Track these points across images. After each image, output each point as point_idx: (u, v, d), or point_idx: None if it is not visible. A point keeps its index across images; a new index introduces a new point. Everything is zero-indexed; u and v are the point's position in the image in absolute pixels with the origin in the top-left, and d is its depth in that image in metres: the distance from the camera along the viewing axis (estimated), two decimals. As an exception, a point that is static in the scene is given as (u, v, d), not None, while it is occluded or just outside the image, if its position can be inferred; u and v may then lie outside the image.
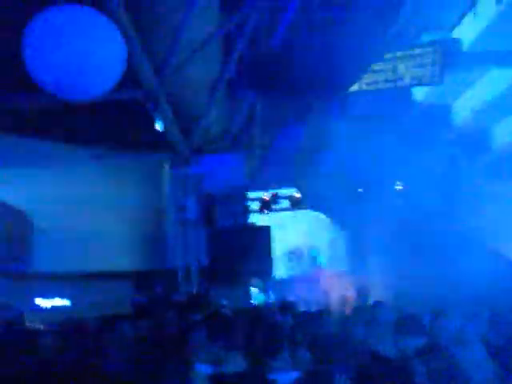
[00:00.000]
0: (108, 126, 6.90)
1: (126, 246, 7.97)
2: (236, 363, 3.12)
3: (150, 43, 6.40)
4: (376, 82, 11.09)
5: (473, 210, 13.91)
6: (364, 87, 10.97)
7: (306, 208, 12.44)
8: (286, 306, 7.13)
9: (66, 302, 7.09)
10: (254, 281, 10.37)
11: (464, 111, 13.25)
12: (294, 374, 3.21)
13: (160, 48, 6.66)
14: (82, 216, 7.36)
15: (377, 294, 9.89)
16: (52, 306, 6.96)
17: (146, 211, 8.18)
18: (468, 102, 12.96)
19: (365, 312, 5.99)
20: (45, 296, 6.92)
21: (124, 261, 7.84)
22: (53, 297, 6.96)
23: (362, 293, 8.73)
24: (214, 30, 7.34)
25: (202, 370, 3.07)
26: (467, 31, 10.45)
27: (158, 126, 6.91)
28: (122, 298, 7.18)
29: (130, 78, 6.12)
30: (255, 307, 8.33)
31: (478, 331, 4.19)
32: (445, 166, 13.65)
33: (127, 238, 8.00)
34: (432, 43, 10.83)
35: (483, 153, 14.08)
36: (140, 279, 7.85)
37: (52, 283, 6.92)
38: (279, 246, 12.21)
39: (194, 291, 8.28)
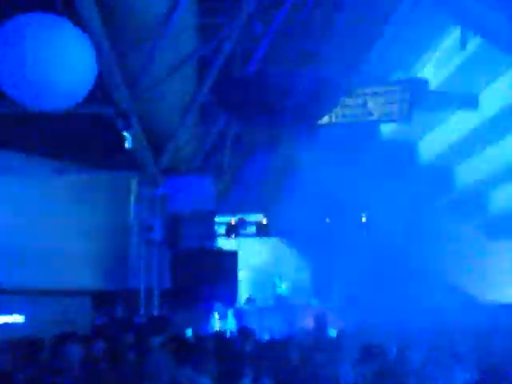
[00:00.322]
0: (75, 140, 6.80)
1: (87, 264, 7.78)
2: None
3: (125, 60, 6.40)
4: (346, 116, 11.33)
5: (434, 247, 14.20)
6: (334, 120, 11.19)
7: (272, 235, 12.46)
8: (246, 333, 7.06)
9: (21, 319, 6.81)
10: (217, 306, 10.23)
11: (428, 150, 13.64)
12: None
13: (135, 66, 6.67)
14: (43, 230, 7.16)
15: (338, 323, 9.92)
16: (7, 323, 6.68)
17: (110, 229, 8.03)
18: (432, 141, 13.37)
19: (327, 341, 6.00)
20: (1, 312, 6.64)
21: (85, 279, 7.64)
22: (10, 313, 6.68)
23: (320, 322, 8.71)
24: (190, 52, 7.41)
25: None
26: (434, 72, 10.85)
27: (127, 144, 6.85)
28: (81, 317, 6.98)
29: (102, 93, 6.10)
30: (217, 333, 8.20)
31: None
32: (408, 202, 13.94)
33: (89, 255, 7.82)
34: (401, 82, 11.19)
35: (445, 192, 14.45)
36: (101, 298, 7.64)
37: (9, 298, 6.66)
38: (243, 271, 12.15)
39: (155, 313, 8.11)
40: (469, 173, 13.56)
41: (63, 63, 4.24)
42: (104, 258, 7.98)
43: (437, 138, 13.12)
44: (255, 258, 13.51)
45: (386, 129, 12.86)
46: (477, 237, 14.70)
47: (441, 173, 14.19)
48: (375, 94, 11.10)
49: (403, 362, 4.69)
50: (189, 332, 6.73)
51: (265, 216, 10.56)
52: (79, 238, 7.69)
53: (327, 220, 12.28)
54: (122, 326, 6.42)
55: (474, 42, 8.85)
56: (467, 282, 13.75)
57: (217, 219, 10.07)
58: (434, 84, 10.80)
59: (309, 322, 9.94)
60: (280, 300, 13.31)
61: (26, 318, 6.83)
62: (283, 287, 13.64)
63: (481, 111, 11.33)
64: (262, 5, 7.39)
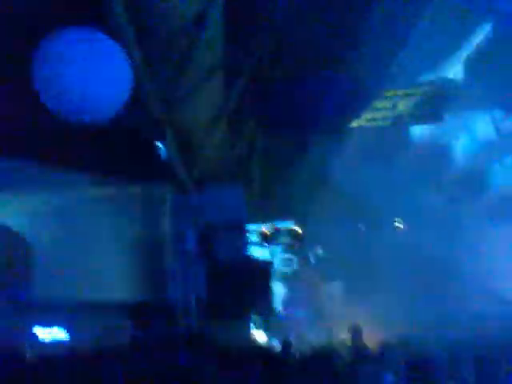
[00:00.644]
0: (109, 153, 6.81)
1: (123, 277, 7.75)
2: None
3: (157, 71, 6.40)
4: (375, 119, 11.19)
5: (472, 251, 13.85)
6: (364, 123, 11.05)
7: (306, 244, 12.31)
8: (288, 345, 6.95)
9: (62, 333, 6.83)
10: (254, 317, 10.11)
11: (462, 152, 13.38)
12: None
13: (167, 76, 6.67)
14: (82, 244, 7.19)
15: (378, 334, 9.68)
16: (50, 337, 6.72)
17: (146, 242, 7.99)
18: (466, 143, 13.12)
19: (368, 353, 5.85)
20: (43, 325, 6.68)
21: (123, 292, 7.60)
22: (50, 326, 6.72)
23: (355, 334, 8.46)
24: (218, 61, 7.39)
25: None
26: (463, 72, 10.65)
27: (162, 156, 6.84)
28: (120, 331, 6.94)
29: (137, 106, 6.09)
30: (259, 346, 8.08)
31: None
32: (445, 206, 13.66)
33: (125, 268, 7.80)
34: (431, 83, 11.00)
35: (483, 194, 14.12)
36: (138, 312, 7.60)
37: (49, 313, 6.69)
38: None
39: (194, 327, 8.02)
40: (505, 174, 13.24)
41: (101, 75, 4.28)
42: (140, 271, 7.95)
43: (471, 139, 12.87)
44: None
45: (418, 131, 12.66)
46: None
47: (477, 175, 13.89)
48: (405, 96, 10.94)
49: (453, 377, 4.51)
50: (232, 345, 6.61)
51: (298, 225, 10.43)
52: (117, 251, 7.68)
53: (360, 226, 12.08)
54: (163, 341, 6.36)
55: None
56: (505, 287, 13.35)
57: (250, 228, 9.98)
58: (464, 85, 10.62)
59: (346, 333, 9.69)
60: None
61: (67, 333, 6.85)
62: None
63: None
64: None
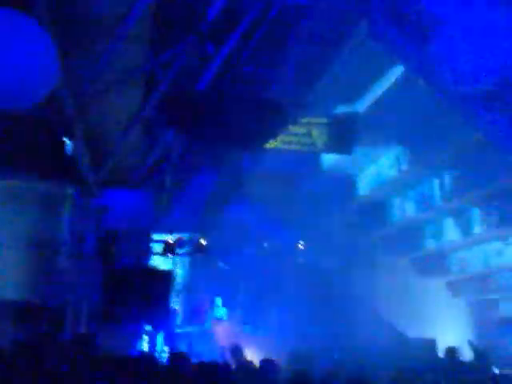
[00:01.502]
0: (10, 143, 6.48)
1: (12, 274, 7.34)
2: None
3: (73, 66, 6.22)
4: (291, 143, 11.50)
5: (368, 278, 14.54)
6: (279, 145, 11.33)
7: (210, 256, 12.30)
8: (177, 357, 6.86)
9: None
10: (148, 327, 9.92)
11: (365, 185, 14.09)
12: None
13: (82, 72, 6.49)
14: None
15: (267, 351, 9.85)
16: None
17: (39, 240, 7.63)
18: (370, 176, 13.83)
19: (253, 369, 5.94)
20: None
21: (8, 290, 7.19)
22: None
23: (235, 352, 8.55)
24: (139, 64, 7.31)
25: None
26: (375, 109, 11.26)
27: (67, 151, 6.60)
28: (2, 331, 6.54)
29: (46, 97, 5.86)
30: (145, 354, 7.92)
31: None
32: (345, 233, 14.27)
33: (14, 265, 7.39)
34: (344, 115, 11.51)
35: (381, 226, 14.91)
36: (24, 313, 7.20)
37: None
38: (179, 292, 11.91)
39: (81, 331, 7.73)
40: (403, 208, 14.08)
41: (27, 60, 4.04)
42: (31, 269, 7.56)
43: (374, 173, 13.59)
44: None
45: (329, 159, 13.17)
46: (409, 272, 15.22)
47: (377, 207, 14.65)
48: (319, 124, 11.36)
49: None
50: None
51: (203, 236, 10.43)
52: (9, 247, 7.27)
53: (265, 245, 12.29)
54: (45, 342, 6.06)
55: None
56: (396, 315, 14.13)
57: (155, 237, 9.84)
58: (376, 120, 11.21)
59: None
60: (215, 324, 13.12)
61: None
62: (221, 310, 13.46)
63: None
64: (216, 26, 7.45)
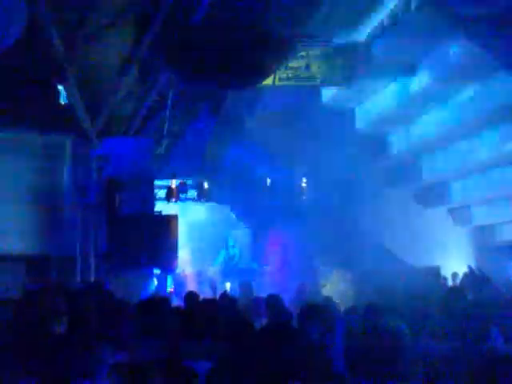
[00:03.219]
0: (4, 94, 6.25)
1: (18, 228, 7.32)
2: (151, 349, 2.88)
3: (61, 10, 5.91)
4: (289, 79, 11.20)
5: (371, 211, 14.62)
6: (277, 82, 11.04)
7: (213, 200, 12.29)
8: (191, 298, 6.97)
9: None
10: (156, 271, 10.05)
11: (365, 117, 13.85)
12: (209, 364, 3.06)
13: (71, 17, 6.19)
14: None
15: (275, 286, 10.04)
16: None
17: (42, 192, 7.55)
18: (369, 108, 13.57)
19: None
20: None
21: (16, 243, 7.19)
22: None
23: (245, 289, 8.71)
24: (128, 4, 6.97)
25: (108, 356, 2.78)
26: (376, 38, 10.85)
27: (62, 100, 6.39)
28: (13, 283, 6.60)
29: (36, 44, 5.61)
30: (157, 297, 8.03)
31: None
32: (347, 166, 14.18)
33: (19, 219, 7.36)
34: (343, 46, 11.14)
35: (381, 158, 14.81)
36: (33, 264, 7.25)
37: None
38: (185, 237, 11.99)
39: (91, 279, 7.81)
40: (403, 141, 13.94)
41: None
42: (36, 222, 7.53)
43: (373, 105, 13.33)
44: (198, 222, 13.36)
45: (328, 92, 12.87)
46: (410, 202, 15.29)
47: (376, 139, 14.50)
48: (318, 56, 11.03)
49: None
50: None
51: (206, 180, 10.35)
52: (9, 200, 7.20)
53: (268, 182, 12.21)
54: (56, 291, 6.10)
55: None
56: (400, 247, 14.31)
57: (157, 182, 9.76)
58: (375, 50, 10.83)
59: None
60: (229, 265, 13.34)
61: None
62: (235, 249, 13.62)
63: (417, 81, 11.55)
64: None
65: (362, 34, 10.72)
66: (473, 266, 12.08)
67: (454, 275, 11.74)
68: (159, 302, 4.03)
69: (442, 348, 3.48)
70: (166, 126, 10.26)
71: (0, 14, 4.05)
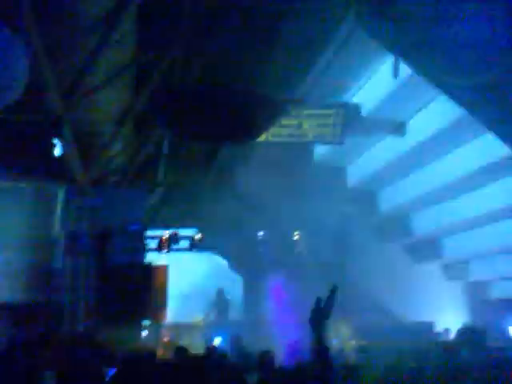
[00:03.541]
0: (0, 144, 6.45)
1: (7, 276, 7.34)
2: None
3: (60, 65, 6.18)
4: (281, 136, 11.50)
5: (361, 267, 14.64)
6: (270, 138, 11.33)
7: (205, 250, 12.33)
8: (182, 351, 6.96)
9: None
10: (146, 323, 9.96)
11: (356, 174, 14.12)
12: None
13: (70, 71, 6.45)
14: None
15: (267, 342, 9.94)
16: None
17: (33, 239, 7.63)
18: (360, 166, 13.85)
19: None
20: None
21: (3, 292, 7.20)
22: None
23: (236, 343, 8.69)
24: (128, 61, 7.27)
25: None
26: (367, 98, 11.23)
27: (56, 152, 6.57)
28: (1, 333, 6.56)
29: (33, 98, 5.84)
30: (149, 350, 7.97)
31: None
32: (339, 223, 14.32)
33: (11, 269, 7.39)
34: (335, 105, 11.49)
35: (372, 214, 14.98)
36: (21, 314, 7.22)
37: None
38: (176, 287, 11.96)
39: (80, 328, 7.76)
40: (393, 197, 14.14)
41: None
42: (25, 269, 7.57)
43: (364, 163, 13.61)
44: (190, 273, 13.35)
45: (320, 151, 13.18)
46: (402, 258, 15.33)
47: (367, 196, 14.71)
48: (310, 115, 11.36)
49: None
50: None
51: (199, 231, 10.44)
52: (1, 246, 7.27)
53: (260, 234, 12.29)
54: (44, 342, 6.07)
55: (406, 71, 9.25)
56: (391, 301, 14.25)
57: (149, 233, 9.85)
58: (366, 109, 11.18)
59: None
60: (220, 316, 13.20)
61: None
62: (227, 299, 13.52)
63: (408, 138, 11.85)
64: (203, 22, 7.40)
65: (353, 94, 11.10)
66: (467, 321, 12.02)
67: (447, 331, 11.66)
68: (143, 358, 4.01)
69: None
70: (161, 174, 10.45)
71: (1, 72, 4.25)
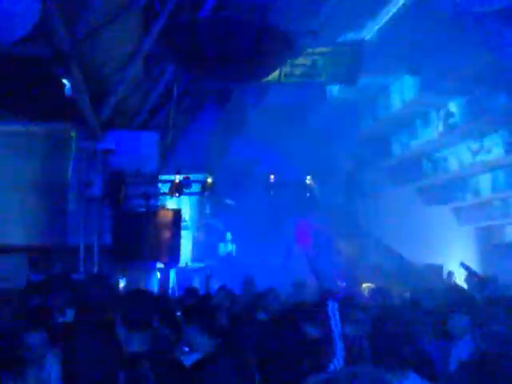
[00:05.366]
0: (7, 86, 6.27)
1: (23, 220, 7.36)
2: (142, 342, 2.89)
3: (65, 3, 5.90)
4: (294, 75, 11.19)
5: (373, 208, 14.64)
6: (282, 79, 11.03)
7: (217, 194, 12.29)
8: (193, 292, 7.03)
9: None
10: (159, 265, 10.07)
11: (370, 117, 13.85)
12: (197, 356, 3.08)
13: (75, 8, 6.18)
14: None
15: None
16: None
17: (48, 184, 7.59)
18: (374, 109, 13.57)
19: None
20: None
21: (20, 235, 7.23)
22: None
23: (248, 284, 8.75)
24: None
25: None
26: (381, 36, 10.82)
27: (66, 93, 6.39)
28: (17, 274, 6.64)
29: (40, 35, 5.61)
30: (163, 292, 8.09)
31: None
32: (351, 164, 14.21)
33: (25, 211, 7.39)
34: (349, 44, 11.10)
35: (385, 157, 14.80)
36: (38, 255, 7.28)
37: None
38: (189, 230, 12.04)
39: (95, 271, 7.84)
40: (404, 141, 13.94)
41: None
42: (41, 214, 7.57)
43: (378, 106, 13.32)
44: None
45: (333, 90, 12.87)
46: (414, 200, 15.29)
47: (381, 138, 14.50)
48: (324, 54, 11.00)
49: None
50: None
51: (210, 175, 10.35)
52: (15, 192, 7.24)
53: (271, 178, 12.18)
54: (59, 282, 6.13)
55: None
56: (403, 243, 14.31)
57: (161, 177, 9.77)
58: (382, 48, 10.80)
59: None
60: (227, 258, 13.36)
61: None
62: (231, 245, 13.67)
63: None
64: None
65: (368, 31, 10.69)
66: (476, 264, 12.05)
67: (450, 274, 11.69)
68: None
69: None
70: (171, 118, 10.26)
71: (14, 6, 4.05)
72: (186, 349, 3.78)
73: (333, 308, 3.30)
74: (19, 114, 6.99)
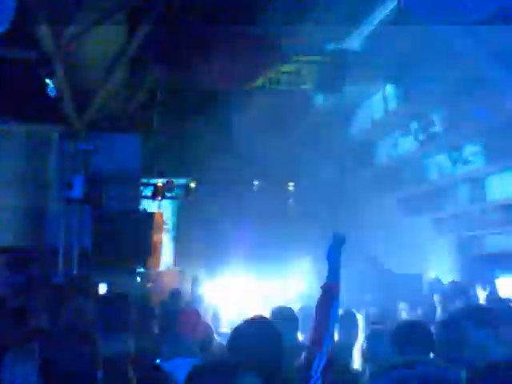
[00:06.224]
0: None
1: (1, 220, 7.27)
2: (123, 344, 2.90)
3: (52, 5, 5.90)
4: (280, 82, 11.23)
5: (355, 218, 14.68)
6: (268, 86, 11.07)
7: (200, 199, 12.28)
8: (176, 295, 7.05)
9: None
10: (140, 268, 10.03)
11: (355, 124, 13.95)
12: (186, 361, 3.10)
13: (61, 11, 6.18)
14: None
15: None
16: None
17: (27, 185, 7.52)
18: (359, 115, 13.66)
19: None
20: None
21: (-2, 235, 7.15)
22: None
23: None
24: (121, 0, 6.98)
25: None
26: (366, 46, 10.92)
27: (50, 93, 6.37)
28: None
29: (24, 36, 5.60)
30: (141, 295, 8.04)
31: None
32: (334, 173, 14.27)
33: (3, 211, 7.31)
34: (335, 52, 11.19)
35: (368, 166, 14.91)
36: (16, 257, 7.20)
37: None
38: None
39: (74, 273, 7.78)
40: (387, 149, 14.06)
41: None
42: (20, 215, 7.49)
43: (362, 113, 13.41)
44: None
45: (319, 99, 12.95)
46: (396, 210, 15.40)
47: (364, 147, 14.61)
48: (310, 62, 11.07)
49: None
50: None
51: (194, 180, 10.33)
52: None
53: (255, 184, 12.20)
54: (38, 284, 6.09)
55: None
56: (382, 253, 14.39)
57: (143, 180, 9.74)
58: (366, 57, 10.89)
59: None
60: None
61: None
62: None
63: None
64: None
65: (352, 41, 10.79)
66: (456, 275, 12.18)
67: (438, 280, 11.78)
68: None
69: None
70: (155, 120, 10.23)
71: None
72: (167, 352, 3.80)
73: None
74: (1, 114, 6.93)
